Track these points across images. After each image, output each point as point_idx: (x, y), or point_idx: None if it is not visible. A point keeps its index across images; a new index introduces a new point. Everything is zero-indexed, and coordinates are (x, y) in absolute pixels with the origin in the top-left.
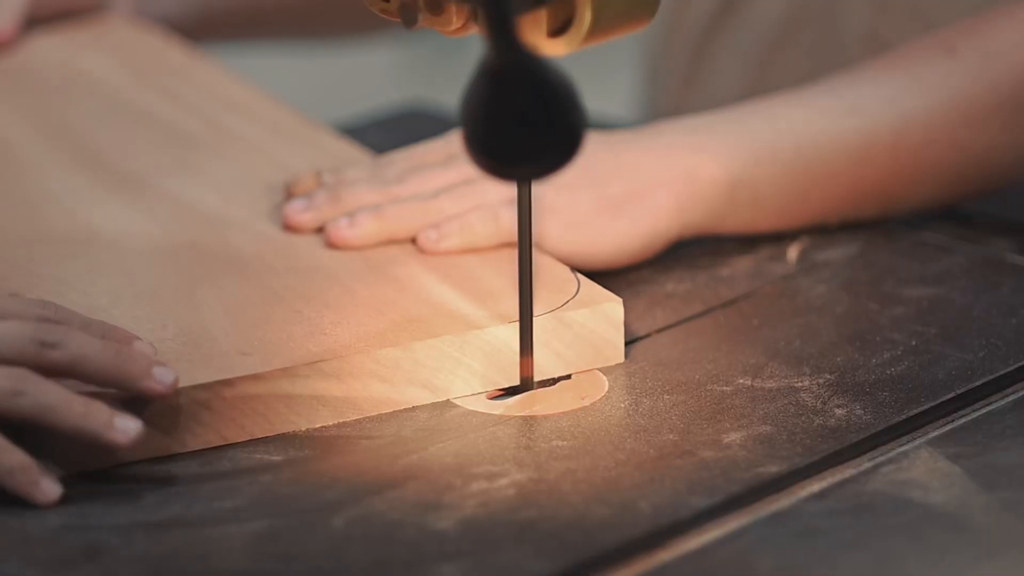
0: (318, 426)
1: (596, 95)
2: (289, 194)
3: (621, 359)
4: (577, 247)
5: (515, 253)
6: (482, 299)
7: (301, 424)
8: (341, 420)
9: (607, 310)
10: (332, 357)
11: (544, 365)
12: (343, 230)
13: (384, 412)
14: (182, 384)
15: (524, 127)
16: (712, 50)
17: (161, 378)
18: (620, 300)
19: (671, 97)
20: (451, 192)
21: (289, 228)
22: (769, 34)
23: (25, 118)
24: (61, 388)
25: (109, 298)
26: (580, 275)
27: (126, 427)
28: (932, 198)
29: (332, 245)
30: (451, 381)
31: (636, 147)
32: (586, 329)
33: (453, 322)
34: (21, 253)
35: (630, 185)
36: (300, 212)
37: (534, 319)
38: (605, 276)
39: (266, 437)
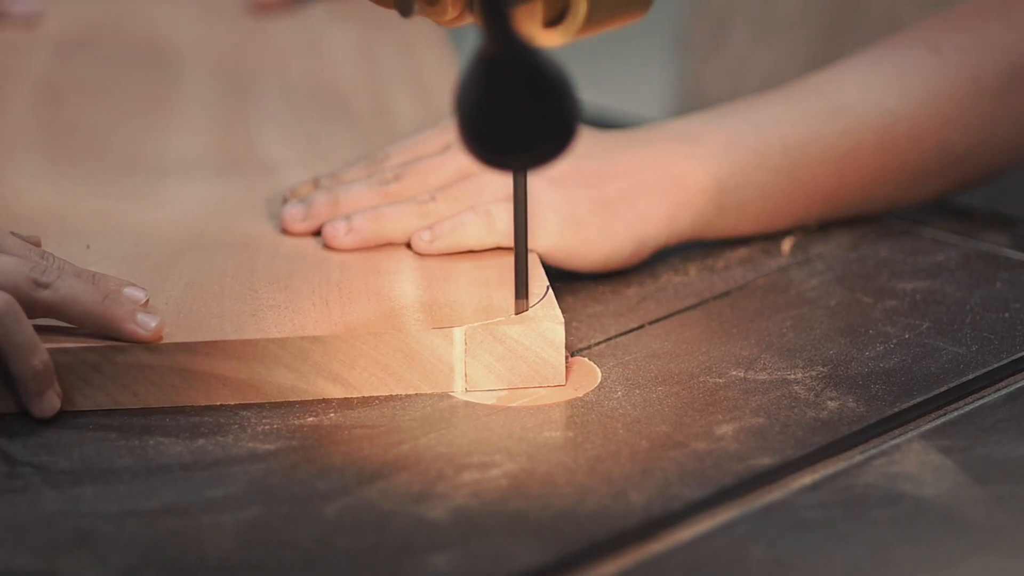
0: (218, 404)
1: (626, 77)
2: (286, 200)
3: (561, 381)
4: (573, 249)
5: (510, 258)
6: (433, 303)
7: (200, 400)
8: (244, 401)
9: (544, 329)
10: (238, 338)
11: (474, 377)
12: (341, 238)
13: (292, 400)
14: (74, 344)
15: (518, 117)
16: (732, 26)
17: (143, 323)
18: (561, 320)
19: (694, 73)
20: (447, 193)
21: (287, 233)
22: (788, 12)
23: (217, 79)
24: (80, 280)
25: (100, 254)
26: (551, 290)
27: (146, 322)
28: (913, 195)
29: (328, 248)
30: (366, 379)
31: (631, 150)
32: (520, 345)
33: (382, 320)
34: (68, 210)
35: (624, 188)
36: (298, 222)
37: (471, 327)
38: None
39: (260, 426)
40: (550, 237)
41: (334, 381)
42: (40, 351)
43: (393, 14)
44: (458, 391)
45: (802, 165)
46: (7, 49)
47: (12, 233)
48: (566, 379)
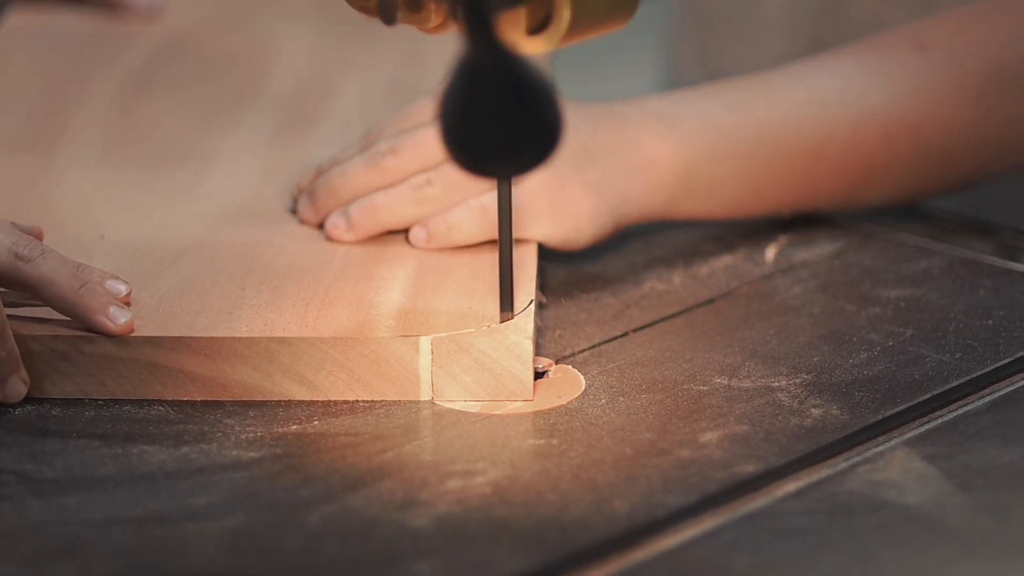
0: (185, 399)
1: (616, 86)
2: (298, 191)
3: (528, 396)
4: (565, 235)
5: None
6: (411, 311)
7: (167, 394)
8: (210, 398)
9: (511, 343)
10: (205, 335)
11: (441, 387)
12: (341, 234)
13: (257, 399)
14: (44, 332)
15: (501, 125)
16: (715, 33)
17: (114, 316)
18: (529, 335)
19: (681, 80)
20: (442, 175)
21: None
22: (771, 17)
23: (302, 80)
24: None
25: (111, 244)
26: (533, 304)
27: (116, 315)
28: (890, 194)
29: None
30: (332, 383)
31: (610, 126)
32: (487, 358)
33: (354, 326)
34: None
35: (606, 168)
36: (309, 217)
37: (438, 338)
38: (586, 276)
39: (244, 434)
40: (544, 227)
41: (300, 383)
42: (7, 339)
43: None
44: (425, 400)
45: (774, 155)
46: (116, 40)
47: (12, 224)
48: (533, 394)
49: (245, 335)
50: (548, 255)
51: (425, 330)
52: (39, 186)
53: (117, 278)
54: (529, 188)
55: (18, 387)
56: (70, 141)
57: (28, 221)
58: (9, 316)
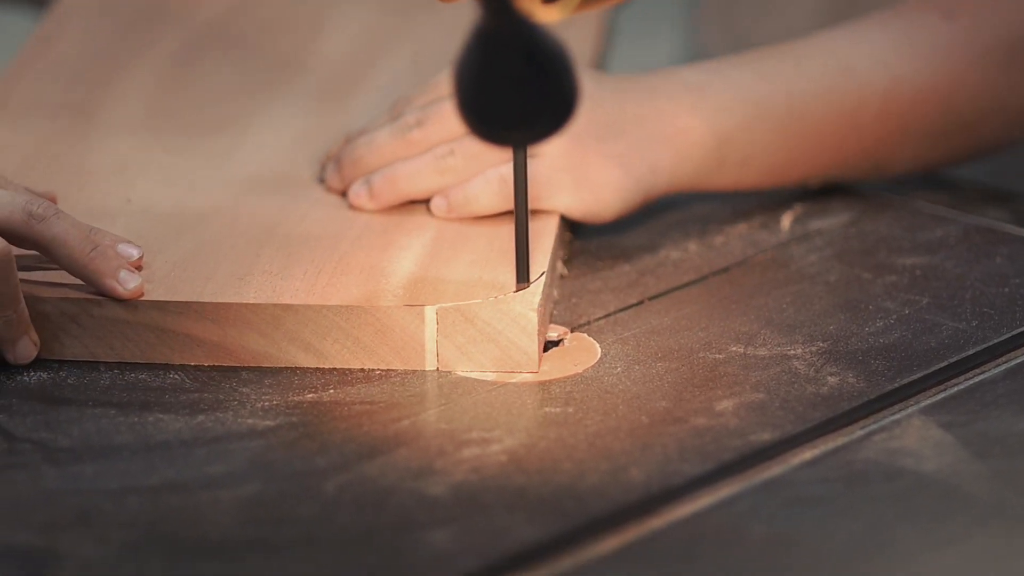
0: (194, 364)
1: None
2: (327, 159)
3: (534, 368)
4: (587, 207)
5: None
6: (422, 280)
7: (175, 359)
8: (218, 363)
9: (516, 315)
10: (212, 300)
11: (447, 356)
12: (363, 202)
13: (265, 365)
14: (54, 295)
15: (517, 93)
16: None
17: (124, 280)
18: (535, 307)
19: (703, 45)
20: (465, 147)
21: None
22: None
23: (352, 49)
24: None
25: (138, 207)
26: (545, 274)
27: (126, 280)
28: (917, 161)
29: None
30: (338, 351)
31: (639, 99)
32: (492, 329)
33: (363, 294)
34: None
35: (632, 141)
36: (333, 183)
37: (443, 307)
38: (601, 244)
39: (260, 403)
40: (564, 199)
41: (305, 350)
42: (18, 301)
43: None
44: (431, 369)
45: (805, 123)
46: (174, 9)
47: (27, 189)
48: (539, 366)
49: (252, 301)
50: (572, 226)
51: (433, 300)
52: (76, 150)
53: (130, 242)
54: (550, 160)
55: (29, 348)
56: (112, 107)
57: (61, 183)
58: (21, 279)
